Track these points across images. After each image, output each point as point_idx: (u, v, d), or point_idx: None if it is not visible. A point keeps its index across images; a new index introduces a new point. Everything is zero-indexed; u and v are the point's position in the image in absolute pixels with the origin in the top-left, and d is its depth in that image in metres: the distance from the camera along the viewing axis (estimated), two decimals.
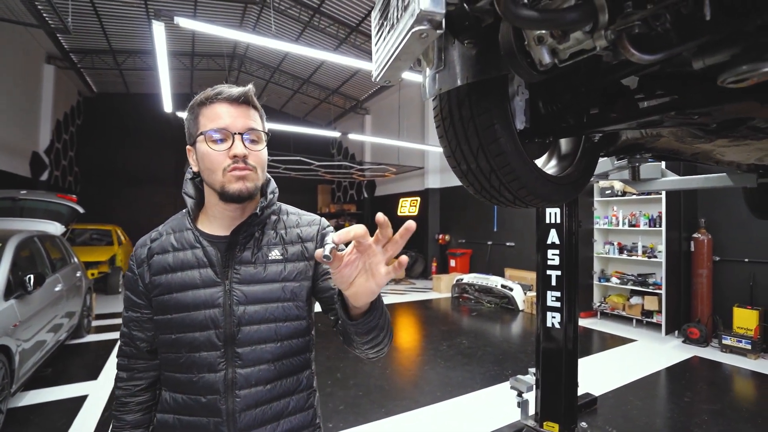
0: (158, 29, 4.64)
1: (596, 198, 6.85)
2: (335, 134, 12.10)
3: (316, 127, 14.65)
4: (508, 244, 9.44)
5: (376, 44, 0.94)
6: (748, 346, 4.91)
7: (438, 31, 0.68)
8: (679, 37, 0.73)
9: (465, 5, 0.71)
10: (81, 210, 5.92)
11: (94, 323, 6.17)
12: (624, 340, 5.67)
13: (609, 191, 6.65)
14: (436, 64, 1.15)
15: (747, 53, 0.67)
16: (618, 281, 6.50)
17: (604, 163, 2.13)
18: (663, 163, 2.98)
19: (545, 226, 2.99)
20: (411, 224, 0.58)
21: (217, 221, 0.94)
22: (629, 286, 6.34)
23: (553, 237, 2.96)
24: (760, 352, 4.91)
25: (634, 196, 6.35)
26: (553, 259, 2.96)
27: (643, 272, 6.27)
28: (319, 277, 0.99)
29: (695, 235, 5.73)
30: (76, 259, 5.47)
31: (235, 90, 0.89)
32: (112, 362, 4.59)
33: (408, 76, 5.17)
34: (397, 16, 0.75)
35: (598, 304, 6.78)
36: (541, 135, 1.25)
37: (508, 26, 0.73)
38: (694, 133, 1.28)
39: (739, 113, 0.91)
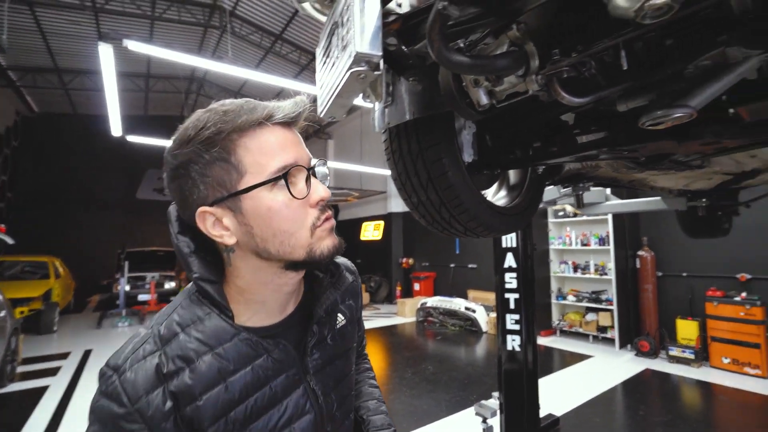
0: (105, 51, 4.47)
1: (550, 219, 7.17)
2: None
3: None
4: (470, 266, 9.63)
5: (320, 80, 0.94)
6: (692, 356, 5.21)
7: (376, 73, 0.68)
8: (604, 82, 0.78)
9: (403, 48, 0.72)
10: (10, 241, 5.41)
11: (21, 368, 5.50)
12: (582, 357, 5.84)
13: (562, 213, 7.00)
14: (384, 99, 1.16)
15: (661, 99, 0.72)
16: (574, 299, 6.76)
17: (551, 191, 2.25)
18: (608, 189, 3.18)
19: (502, 251, 3.06)
20: None
21: (264, 306, 0.66)
22: (584, 304, 6.60)
23: (509, 261, 3.03)
24: (701, 360, 5.22)
25: (585, 217, 6.71)
26: (511, 283, 3.02)
27: (597, 289, 6.57)
28: (357, 339, 0.89)
29: (640, 253, 6.10)
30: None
31: (287, 104, 0.61)
32: (37, 416, 4.07)
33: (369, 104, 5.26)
34: (337, 54, 0.76)
35: (557, 322, 6.99)
36: (489, 167, 1.29)
37: (447, 71, 0.75)
38: (628, 165, 1.37)
39: (661, 150, 0.98)
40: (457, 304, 8.14)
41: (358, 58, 0.66)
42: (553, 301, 7.01)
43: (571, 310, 6.99)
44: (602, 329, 6.36)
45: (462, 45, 0.71)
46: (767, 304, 4.78)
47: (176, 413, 0.55)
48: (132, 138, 8.20)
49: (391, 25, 0.68)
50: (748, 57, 0.64)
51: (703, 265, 5.56)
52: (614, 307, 6.08)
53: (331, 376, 0.71)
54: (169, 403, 0.54)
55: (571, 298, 6.81)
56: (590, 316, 6.58)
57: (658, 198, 2.77)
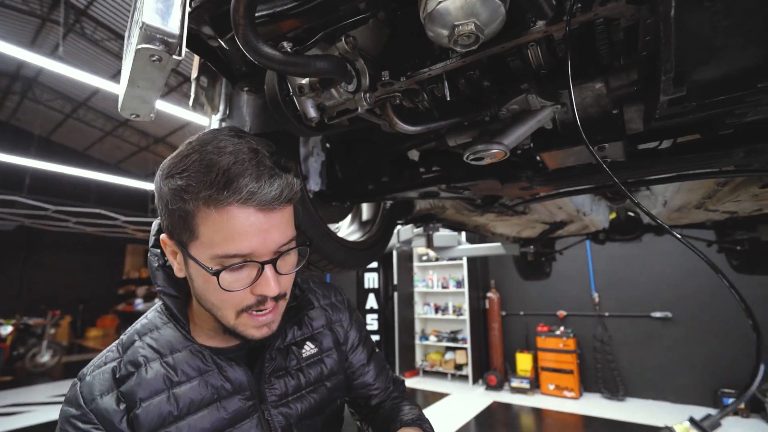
0: None
1: (416, 263, 7.63)
2: (150, 185, 10.52)
3: (131, 177, 12.54)
4: None
5: (123, 69, 0.76)
6: (527, 385, 5.91)
7: (175, 57, 0.55)
8: (435, 115, 0.80)
9: (220, 40, 0.61)
10: None
11: None
12: (441, 396, 6.10)
13: (425, 257, 7.53)
14: (222, 111, 1.03)
15: (482, 137, 0.76)
16: (435, 339, 7.15)
17: (406, 231, 2.35)
18: (464, 235, 3.52)
19: (364, 291, 3.04)
20: None
21: (216, 334, 0.65)
22: (444, 343, 7.03)
23: (371, 302, 3.02)
24: (534, 389, 5.96)
25: (446, 262, 7.34)
26: (372, 324, 3.00)
27: (454, 329, 7.09)
28: (354, 367, 0.83)
29: (489, 294, 6.88)
30: None
31: (274, 185, 0.53)
32: None
33: None
34: (132, 34, 0.61)
35: (420, 362, 7.26)
36: (339, 199, 1.23)
37: (272, 74, 0.67)
38: (468, 207, 1.48)
39: (490, 190, 1.06)
40: None
41: (148, 33, 0.52)
42: (417, 342, 7.29)
43: (433, 350, 7.36)
44: (459, 367, 6.81)
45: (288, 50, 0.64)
46: (578, 335, 5.80)
47: (123, 418, 0.56)
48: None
49: (198, 10, 0.57)
50: (545, 106, 0.72)
51: (535, 304, 6.53)
52: (468, 345, 6.61)
53: (295, 409, 0.68)
54: (122, 405, 0.57)
55: (432, 338, 7.19)
56: (449, 355, 7.01)
57: (499, 244, 3.16)
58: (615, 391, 5.41)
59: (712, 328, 4.89)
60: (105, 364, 0.61)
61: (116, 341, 0.65)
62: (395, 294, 5.41)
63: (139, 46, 0.53)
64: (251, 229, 0.53)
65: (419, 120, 0.78)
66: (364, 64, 0.66)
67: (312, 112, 0.67)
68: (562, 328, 5.94)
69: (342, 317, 0.84)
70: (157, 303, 0.68)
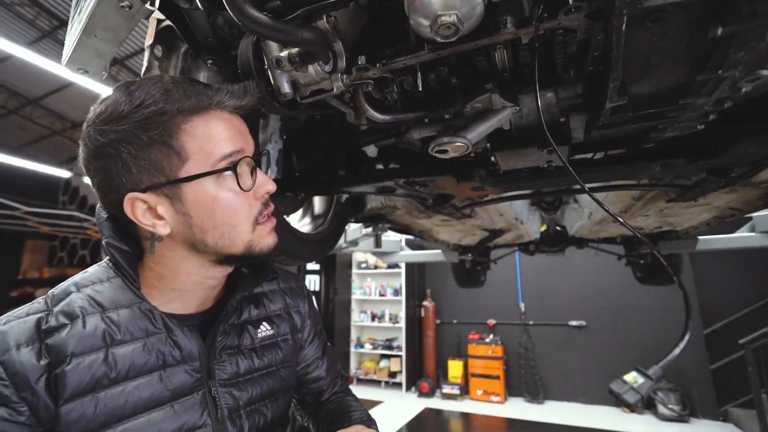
0: None
1: (354, 270, 7.62)
2: (64, 174, 9.35)
3: (40, 163, 11.05)
4: None
5: (71, 22, 0.69)
6: (458, 391, 6.14)
7: (147, 6, 0.52)
8: (402, 107, 0.83)
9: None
10: None
11: None
12: (374, 403, 6.10)
13: (364, 264, 7.56)
14: None
15: (446, 130, 0.81)
16: (371, 347, 7.16)
17: (354, 231, 2.36)
18: (403, 242, 3.61)
19: None
20: None
21: (178, 296, 0.61)
22: (379, 351, 7.07)
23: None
24: (464, 394, 6.21)
25: (384, 270, 7.42)
26: None
27: (390, 337, 7.17)
28: (309, 359, 0.81)
29: (424, 303, 7.07)
30: None
31: (236, 90, 0.59)
32: None
33: None
34: None
35: (355, 370, 7.21)
36: (293, 190, 1.21)
37: (248, 42, 0.65)
38: (419, 207, 1.53)
39: (445, 189, 1.11)
40: None
41: None
42: (352, 349, 7.25)
43: (368, 358, 7.36)
44: (393, 374, 6.88)
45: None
46: (506, 343, 6.17)
47: (46, 375, 0.49)
48: None
49: None
50: (505, 107, 0.78)
51: (467, 313, 6.84)
52: (403, 353, 6.71)
53: (246, 392, 0.63)
54: (43, 360, 0.49)
55: (368, 346, 7.20)
56: (383, 363, 7.06)
57: (439, 251, 3.29)
58: (536, 394, 5.82)
59: (621, 336, 5.49)
60: (27, 315, 0.53)
61: (44, 295, 0.57)
62: (334, 299, 5.35)
63: None
64: (234, 129, 0.58)
65: (387, 110, 0.81)
66: (342, 47, 0.67)
67: (286, 88, 0.66)
68: (491, 336, 6.28)
69: (300, 304, 0.82)
70: (102, 261, 0.63)
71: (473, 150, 1.08)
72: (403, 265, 6.98)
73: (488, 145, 0.95)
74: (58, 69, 4.77)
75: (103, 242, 0.58)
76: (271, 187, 0.61)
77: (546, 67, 0.77)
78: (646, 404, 5.07)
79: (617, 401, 5.27)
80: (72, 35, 0.63)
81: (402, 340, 6.81)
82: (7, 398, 0.48)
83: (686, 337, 0.69)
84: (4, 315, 0.53)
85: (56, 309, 0.53)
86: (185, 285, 0.61)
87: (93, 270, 0.61)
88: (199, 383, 0.58)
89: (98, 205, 0.61)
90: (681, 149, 0.88)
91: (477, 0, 0.54)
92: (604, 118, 0.70)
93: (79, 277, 0.59)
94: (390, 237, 3.64)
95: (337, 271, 6.77)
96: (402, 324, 6.85)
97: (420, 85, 0.74)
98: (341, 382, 0.90)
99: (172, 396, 0.55)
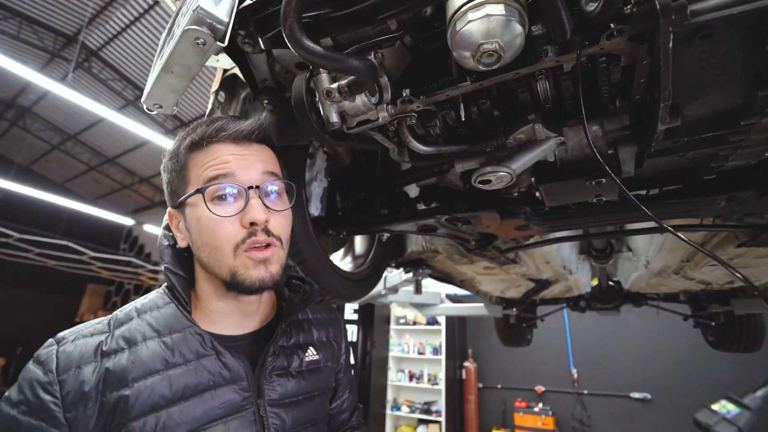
0: None
1: (392, 326, 7.39)
2: (126, 221, 10.19)
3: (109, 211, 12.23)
4: None
5: (152, 69, 0.80)
6: None
7: (219, 44, 0.59)
8: (446, 141, 0.85)
9: (259, 38, 0.66)
10: None
11: None
12: None
13: (403, 320, 7.32)
14: None
15: (489, 161, 0.81)
16: (408, 410, 6.69)
17: (394, 277, 2.33)
18: (443, 294, 3.50)
19: None
20: None
21: (220, 318, 0.66)
22: (416, 415, 6.57)
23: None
24: None
25: (423, 326, 7.13)
26: None
27: (428, 400, 6.68)
28: (338, 388, 0.82)
29: (465, 364, 6.63)
30: None
31: (246, 121, 0.64)
32: None
33: None
34: (178, 25, 0.65)
35: None
36: (336, 227, 1.24)
37: (302, 79, 0.71)
38: (460, 251, 1.50)
39: (488, 227, 1.09)
40: None
41: (200, 16, 0.57)
42: (388, 411, 6.80)
43: (404, 422, 6.85)
44: None
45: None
46: (558, 414, 5.54)
47: (102, 395, 0.52)
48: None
49: (248, 5, 0.63)
50: (549, 137, 0.77)
51: (513, 377, 6.30)
52: (443, 419, 6.20)
53: (291, 414, 0.64)
54: (97, 380, 0.52)
55: (405, 409, 6.73)
56: (421, 429, 6.52)
57: (482, 304, 3.14)
58: None
59: (692, 413, 4.77)
60: (91, 335, 0.57)
61: (109, 316, 0.62)
62: (371, 351, 5.16)
63: (187, 27, 0.56)
64: (230, 156, 0.61)
65: (430, 143, 0.83)
66: (387, 81, 0.72)
67: (335, 117, 0.70)
68: (540, 405, 5.69)
69: (339, 335, 0.85)
70: (161, 288, 0.68)
71: (517, 189, 1.07)
72: (443, 322, 6.69)
73: (533, 180, 0.93)
74: (136, 128, 5.41)
75: (163, 267, 0.65)
76: (259, 216, 0.59)
77: (590, 97, 0.77)
78: None
79: None
80: (152, 75, 0.72)
81: (441, 404, 6.32)
82: (50, 414, 0.50)
83: None
84: (72, 330, 0.59)
85: (117, 332, 0.58)
86: (219, 308, 0.66)
87: (152, 296, 0.66)
88: (248, 402, 0.60)
89: (159, 235, 0.70)
90: (749, 180, 0.82)
91: (518, 29, 0.56)
92: (656, 143, 0.67)
93: (140, 303, 0.65)
94: (430, 289, 3.54)
95: (375, 327, 6.60)
96: (441, 386, 6.40)
97: (462, 117, 0.76)
98: (358, 413, 0.90)
99: (223, 413, 0.57)
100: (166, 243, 0.67)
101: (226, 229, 0.59)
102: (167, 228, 0.69)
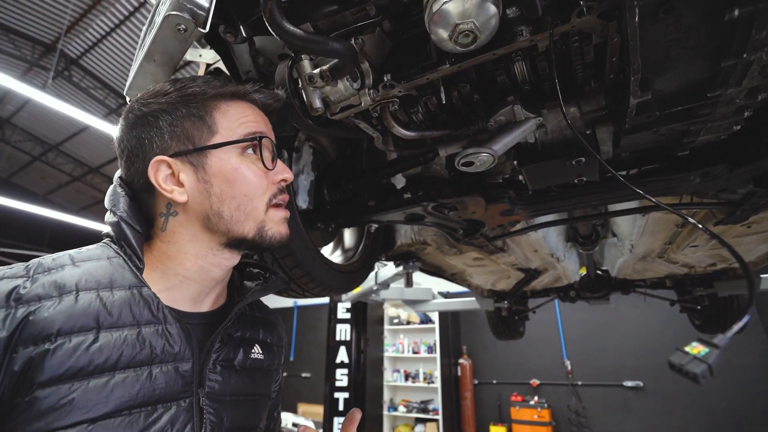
0: None
1: (386, 326, 7.39)
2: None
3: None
4: (303, 375, 8.84)
5: (135, 58, 0.80)
6: None
7: (200, 30, 0.60)
8: (428, 126, 0.87)
9: (239, 23, 0.67)
10: None
11: None
12: None
13: (397, 320, 7.33)
14: None
15: (472, 144, 0.83)
16: (405, 410, 6.69)
17: (384, 272, 2.34)
18: (434, 290, 3.52)
19: (335, 344, 2.91)
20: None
21: (183, 283, 0.58)
22: (414, 414, 6.58)
23: (342, 355, 2.87)
24: None
25: (417, 326, 7.15)
26: (342, 380, 2.82)
27: (425, 398, 6.70)
28: (271, 402, 0.74)
29: (460, 361, 6.66)
30: None
31: (268, 92, 0.68)
32: None
33: None
34: (159, 11, 0.66)
35: None
36: (324, 220, 1.24)
37: (284, 66, 0.72)
38: (449, 242, 1.52)
39: (475, 211, 1.10)
40: (284, 418, 7.13)
41: (180, 2, 0.57)
42: (385, 412, 6.80)
43: (402, 422, 6.85)
44: None
45: None
46: (553, 406, 5.60)
47: (13, 352, 0.42)
48: None
49: None
50: (528, 118, 0.79)
51: (507, 372, 6.35)
52: (440, 417, 6.21)
53: (229, 414, 0.57)
54: (11, 331, 0.43)
55: (401, 408, 6.74)
56: (419, 428, 6.53)
57: (473, 299, 3.16)
58: None
59: (685, 399, 4.87)
60: (2, 278, 0.46)
61: (26, 262, 0.51)
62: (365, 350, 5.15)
63: (169, 13, 0.57)
64: (260, 118, 0.65)
65: (414, 127, 0.85)
66: (368, 66, 0.73)
67: (318, 103, 0.71)
68: (536, 398, 5.74)
69: (283, 343, 0.78)
70: (101, 241, 0.60)
71: (502, 176, 1.09)
72: (437, 321, 6.72)
73: (515, 163, 0.95)
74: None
75: (112, 218, 0.56)
76: (288, 175, 0.65)
77: (566, 79, 0.79)
78: None
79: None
80: (134, 66, 0.72)
81: (438, 402, 6.34)
82: None
83: (751, 307, 0.62)
84: None
85: (45, 278, 0.48)
86: (189, 271, 0.58)
87: (91, 248, 0.57)
88: (187, 389, 0.53)
89: (113, 185, 0.61)
90: (721, 156, 0.85)
91: (492, 9, 0.57)
92: (630, 119, 0.70)
93: (75, 251, 0.55)
94: (421, 285, 3.56)
95: (368, 328, 6.59)
96: (437, 384, 6.42)
97: (444, 101, 0.77)
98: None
99: (158, 398, 0.49)
100: (119, 190, 0.59)
101: (263, 182, 0.61)
102: (122, 180, 0.61)
